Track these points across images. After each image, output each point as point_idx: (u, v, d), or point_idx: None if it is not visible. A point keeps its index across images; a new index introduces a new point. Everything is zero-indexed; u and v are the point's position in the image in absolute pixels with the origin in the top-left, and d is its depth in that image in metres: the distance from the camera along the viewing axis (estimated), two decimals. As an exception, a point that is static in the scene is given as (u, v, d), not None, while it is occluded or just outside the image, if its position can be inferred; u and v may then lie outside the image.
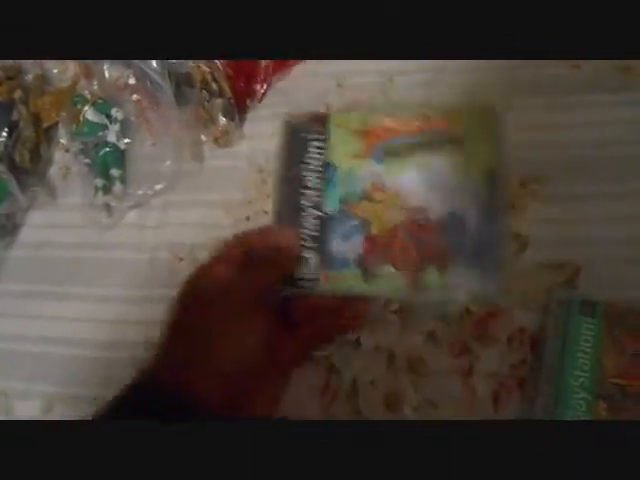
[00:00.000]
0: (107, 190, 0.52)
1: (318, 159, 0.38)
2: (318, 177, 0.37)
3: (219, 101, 0.51)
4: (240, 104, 0.52)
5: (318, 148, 0.38)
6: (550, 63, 0.51)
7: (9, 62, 0.56)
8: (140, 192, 0.51)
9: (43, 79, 0.57)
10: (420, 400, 0.43)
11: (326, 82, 0.54)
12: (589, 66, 0.50)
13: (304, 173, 0.38)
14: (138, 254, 0.50)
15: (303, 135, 0.39)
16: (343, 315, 0.39)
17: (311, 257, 0.36)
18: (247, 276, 0.34)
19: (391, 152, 0.37)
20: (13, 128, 0.53)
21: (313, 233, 0.37)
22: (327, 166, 0.38)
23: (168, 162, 0.50)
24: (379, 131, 0.37)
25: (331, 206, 0.37)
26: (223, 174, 0.52)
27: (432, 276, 0.34)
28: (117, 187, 0.52)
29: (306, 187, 0.38)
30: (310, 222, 0.37)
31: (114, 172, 0.52)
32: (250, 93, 0.53)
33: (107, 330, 0.49)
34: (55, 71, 0.57)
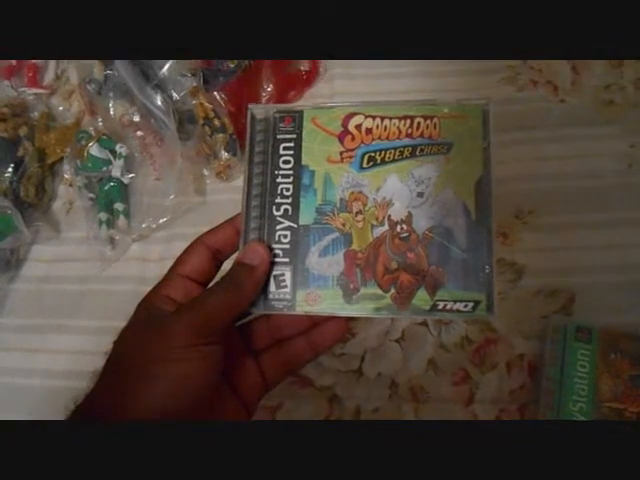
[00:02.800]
0: (111, 224, 0.53)
1: (290, 162, 0.33)
2: (291, 183, 0.33)
3: (221, 136, 0.53)
4: (242, 139, 0.54)
5: (290, 149, 0.33)
6: (538, 96, 0.53)
7: (16, 99, 0.57)
8: (144, 225, 0.52)
9: (48, 116, 0.58)
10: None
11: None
12: (574, 100, 0.53)
13: (275, 178, 0.33)
14: (142, 287, 0.51)
15: (273, 133, 0.34)
16: (317, 337, 0.35)
17: (284, 274, 0.32)
18: (205, 302, 0.30)
19: (372, 158, 0.33)
20: (19, 164, 0.54)
21: (286, 246, 0.33)
22: (301, 170, 0.33)
23: (172, 196, 0.51)
24: (359, 133, 0.33)
25: (307, 216, 0.33)
26: (225, 207, 0.53)
27: (421, 297, 0.31)
28: (121, 221, 0.53)
29: (277, 194, 0.33)
30: (282, 234, 0.33)
31: (118, 206, 0.53)
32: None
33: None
34: (60, 108, 0.59)
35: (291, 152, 0.33)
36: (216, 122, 0.53)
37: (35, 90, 0.58)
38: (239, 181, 0.54)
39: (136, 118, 0.53)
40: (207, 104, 0.53)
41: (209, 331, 0.29)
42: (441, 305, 0.31)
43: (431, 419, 0.43)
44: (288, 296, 0.32)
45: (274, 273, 0.32)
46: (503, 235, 0.48)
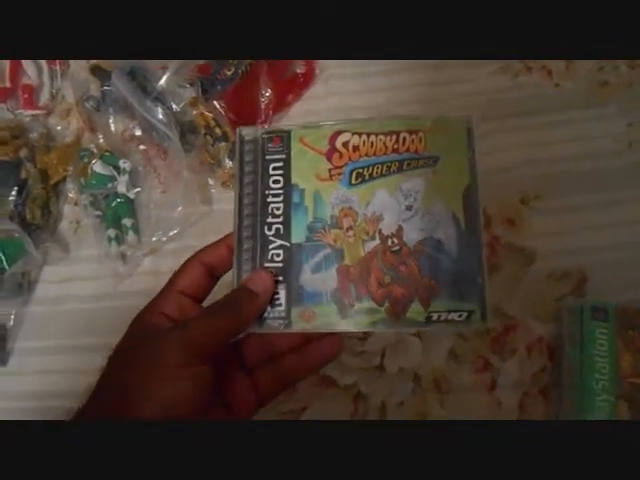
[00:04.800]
0: (120, 240, 0.53)
1: (280, 181, 0.34)
2: (281, 202, 0.33)
3: (223, 145, 0.53)
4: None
5: (280, 169, 0.34)
6: (533, 82, 0.54)
7: (13, 122, 0.57)
8: (154, 239, 0.52)
9: (47, 136, 0.58)
10: (448, 417, 0.44)
11: (323, 118, 0.56)
12: (569, 84, 0.53)
13: (266, 198, 0.33)
14: (156, 300, 0.51)
15: (262, 154, 0.34)
16: (311, 353, 0.35)
17: (278, 292, 0.32)
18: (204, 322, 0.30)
19: (360, 174, 0.33)
20: (22, 186, 0.54)
21: (279, 265, 0.33)
22: (291, 189, 0.33)
23: (180, 208, 0.52)
24: (346, 151, 0.33)
25: (298, 234, 0.33)
26: (232, 216, 0.53)
27: (415, 309, 0.31)
28: (131, 236, 0.53)
29: (269, 213, 0.33)
30: (275, 253, 0.33)
31: (126, 222, 0.53)
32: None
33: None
34: (58, 128, 0.58)
35: (280, 172, 0.34)
36: (217, 131, 0.53)
37: (32, 111, 0.58)
38: (245, 188, 0.55)
39: (138, 132, 0.53)
40: (207, 113, 0.53)
41: (201, 352, 0.29)
42: (435, 316, 0.31)
43: (457, 409, 0.44)
44: (283, 314, 0.32)
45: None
46: (509, 221, 0.49)
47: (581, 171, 0.50)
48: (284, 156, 0.34)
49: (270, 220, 0.33)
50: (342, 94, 0.57)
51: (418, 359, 0.46)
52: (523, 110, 0.53)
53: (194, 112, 0.53)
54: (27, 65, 0.59)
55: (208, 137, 0.54)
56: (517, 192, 0.50)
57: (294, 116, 0.57)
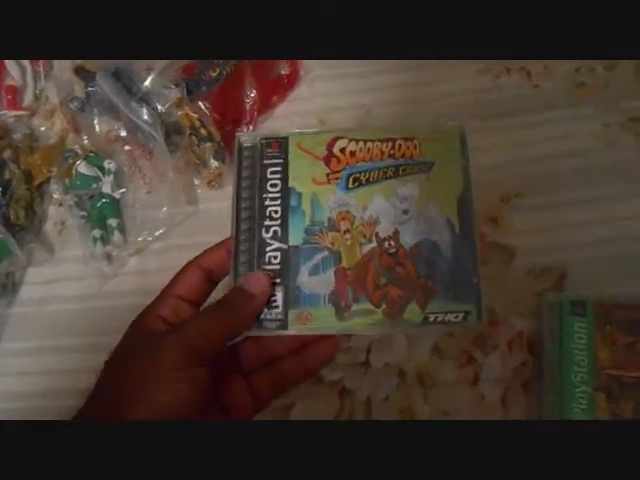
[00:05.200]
0: (105, 240, 0.53)
1: (278, 185, 0.34)
2: (279, 205, 0.34)
3: (209, 145, 0.54)
4: (229, 146, 0.54)
5: (277, 173, 0.34)
6: (513, 83, 0.55)
7: (-4, 123, 0.57)
8: (140, 239, 0.52)
9: (31, 137, 0.58)
10: (432, 411, 0.45)
11: (308, 120, 0.57)
12: (547, 85, 0.55)
13: (264, 201, 0.34)
14: (143, 300, 0.51)
15: (260, 159, 0.35)
16: (308, 357, 0.35)
17: (276, 294, 0.32)
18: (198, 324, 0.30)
19: (357, 179, 0.34)
20: (6, 187, 0.54)
21: (276, 267, 0.33)
22: (289, 193, 0.34)
23: (165, 208, 0.52)
24: (344, 156, 0.34)
25: (296, 237, 0.33)
26: (218, 215, 0.54)
27: (412, 310, 0.32)
28: (116, 236, 0.53)
29: (266, 217, 0.34)
30: (273, 255, 0.33)
31: (112, 222, 0.53)
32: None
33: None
34: (42, 128, 0.58)
35: (278, 176, 0.34)
36: (202, 131, 0.54)
37: (15, 112, 0.58)
38: (230, 188, 0.54)
39: (123, 133, 0.53)
40: (192, 114, 0.53)
41: (198, 354, 0.29)
42: (432, 317, 0.32)
43: (441, 404, 0.45)
44: (280, 316, 0.32)
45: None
46: (492, 220, 0.50)
47: (560, 170, 0.51)
48: (282, 160, 0.34)
49: (268, 223, 0.34)
50: (326, 95, 0.58)
51: (403, 355, 0.47)
52: (504, 111, 0.54)
53: (179, 113, 0.53)
54: (10, 66, 0.59)
55: (193, 138, 0.54)
56: (498, 191, 0.51)
57: (279, 117, 0.58)
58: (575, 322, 0.42)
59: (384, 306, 0.32)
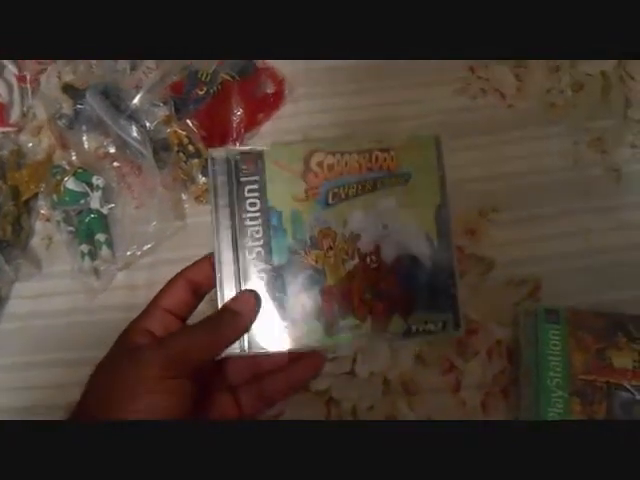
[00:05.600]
0: (93, 255, 0.54)
1: (257, 204, 0.34)
2: (260, 225, 0.34)
3: (196, 161, 0.55)
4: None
5: (255, 191, 0.34)
6: (488, 103, 0.58)
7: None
8: (129, 253, 0.53)
9: (18, 153, 0.58)
10: (416, 417, 0.47)
11: (293, 136, 0.58)
12: (521, 104, 0.58)
13: (244, 221, 0.34)
14: (131, 314, 0.52)
15: (236, 176, 0.34)
16: (295, 372, 0.35)
17: (263, 312, 0.33)
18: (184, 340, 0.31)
19: (336, 194, 0.34)
20: (-7, 203, 0.54)
21: (262, 287, 0.33)
22: (269, 212, 0.34)
23: (154, 223, 0.53)
24: (321, 170, 0.34)
25: (279, 257, 0.34)
26: (206, 229, 0.55)
27: (396, 322, 0.33)
28: (104, 251, 0.53)
29: (248, 237, 0.33)
30: (258, 277, 0.33)
31: (100, 237, 0.54)
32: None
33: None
34: (30, 145, 0.59)
35: (256, 194, 0.34)
36: (190, 148, 0.55)
37: (2, 129, 0.58)
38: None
39: (112, 150, 0.54)
40: (180, 131, 0.55)
41: (178, 367, 0.30)
42: (414, 328, 0.33)
43: (424, 410, 0.46)
44: (268, 334, 0.33)
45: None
46: (471, 232, 0.52)
47: (533, 185, 0.54)
48: (258, 178, 0.34)
49: (250, 244, 0.33)
50: (310, 113, 0.60)
51: (387, 364, 0.48)
52: (480, 129, 0.57)
53: (167, 130, 0.55)
54: (-3, 83, 0.60)
55: (181, 154, 0.55)
56: (476, 205, 0.53)
57: (265, 134, 0.59)
58: (550, 329, 0.45)
59: (369, 320, 0.33)
